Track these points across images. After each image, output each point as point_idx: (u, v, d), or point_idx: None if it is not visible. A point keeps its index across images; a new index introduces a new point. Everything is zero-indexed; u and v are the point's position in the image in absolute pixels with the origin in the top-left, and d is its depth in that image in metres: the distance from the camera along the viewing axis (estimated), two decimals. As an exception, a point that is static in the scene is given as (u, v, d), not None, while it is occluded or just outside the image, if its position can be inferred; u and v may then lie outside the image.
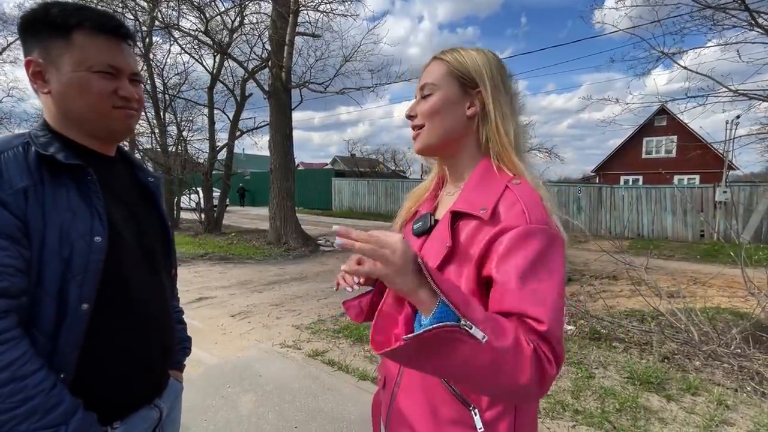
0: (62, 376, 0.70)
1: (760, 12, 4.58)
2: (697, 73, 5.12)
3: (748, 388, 2.87)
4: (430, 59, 0.83)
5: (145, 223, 0.90)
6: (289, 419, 2.30)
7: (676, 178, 20.37)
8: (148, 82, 12.51)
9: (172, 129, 13.18)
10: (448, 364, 0.56)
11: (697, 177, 19.51)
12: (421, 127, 0.80)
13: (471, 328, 0.52)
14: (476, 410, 0.69)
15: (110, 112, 0.79)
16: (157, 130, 12.54)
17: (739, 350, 3.36)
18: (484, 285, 0.67)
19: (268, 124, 10.08)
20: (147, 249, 0.87)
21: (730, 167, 11.94)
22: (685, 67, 5.24)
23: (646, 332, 3.82)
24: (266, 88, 9.70)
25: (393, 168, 28.01)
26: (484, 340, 0.53)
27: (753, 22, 4.53)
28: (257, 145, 23.13)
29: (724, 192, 10.45)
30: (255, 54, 10.96)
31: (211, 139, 12.23)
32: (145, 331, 0.84)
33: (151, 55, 12.15)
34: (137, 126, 13.12)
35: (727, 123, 10.28)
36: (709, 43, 9.58)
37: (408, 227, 0.90)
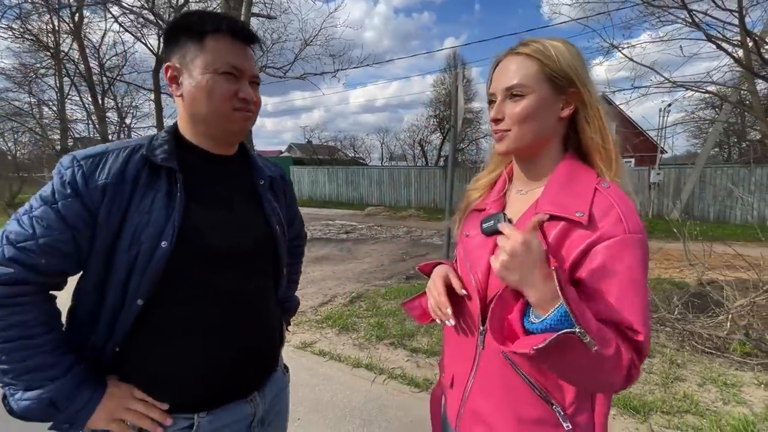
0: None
1: (696, 11, 5.03)
2: (641, 65, 5.56)
3: (688, 348, 3.28)
4: (506, 53, 0.78)
5: (247, 225, 0.89)
6: (290, 412, 2.29)
7: (614, 161, 22.02)
8: (81, 63, 11.37)
9: (113, 115, 12.14)
10: (556, 362, 0.60)
11: (633, 160, 21.31)
12: (506, 131, 0.76)
13: (585, 338, 0.57)
14: (559, 408, 0.71)
15: (230, 113, 0.82)
16: (94, 117, 11.47)
17: (680, 316, 3.82)
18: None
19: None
20: (242, 251, 0.86)
21: (662, 151, 13.18)
22: (631, 59, 5.67)
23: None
24: (220, 72, 9.18)
25: (352, 155, 27.80)
26: (594, 349, 0.57)
27: (691, 20, 4.97)
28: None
29: (658, 174, 11.53)
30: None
31: (160, 126, 11.41)
32: (228, 329, 0.85)
33: (87, 34, 11.01)
34: (72, 113, 11.85)
35: (660, 111, 11.31)
36: (645, 35, 10.46)
37: (469, 222, 0.89)
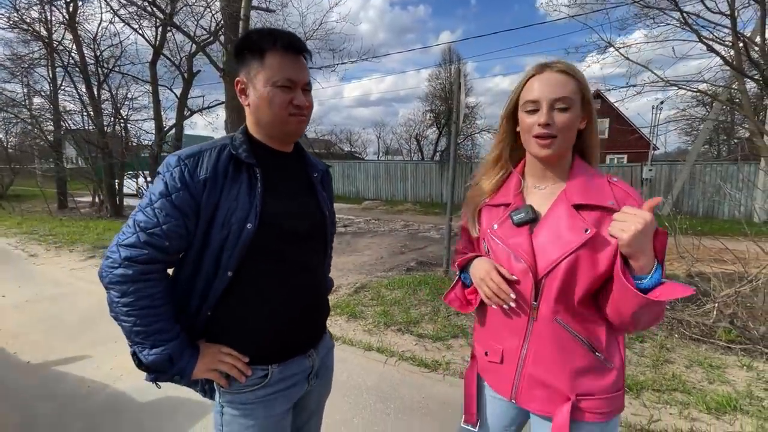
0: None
1: (689, 13, 5.20)
2: (636, 63, 5.74)
3: (677, 335, 3.48)
4: (542, 67, 0.91)
5: (305, 211, 1.04)
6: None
7: (608, 157, 22.45)
8: (75, 53, 11.24)
9: (108, 106, 12.00)
10: (658, 305, 0.77)
11: (625, 156, 21.66)
12: (555, 137, 0.89)
13: None
14: (601, 355, 0.89)
15: (287, 119, 0.95)
16: (90, 109, 11.36)
17: (669, 305, 4.03)
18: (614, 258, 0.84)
19: (220, 103, 9.59)
20: (303, 232, 1.01)
21: (654, 148, 13.46)
22: (627, 57, 5.84)
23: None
24: (220, 65, 9.17)
25: (348, 149, 27.81)
26: None
27: (684, 22, 5.14)
28: (212, 125, 21.83)
29: (650, 170, 11.81)
30: (202, 27, 10.25)
31: (157, 118, 11.36)
32: (293, 296, 1.00)
33: (82, 24, 10.90)
34: (66, 104, 11.71)
35: (653, 108, 11.55)
36: (640, 32, 10.66)
37: (489, 216, 1.01)
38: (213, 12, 9.90)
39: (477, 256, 1.01)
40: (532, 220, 0.93)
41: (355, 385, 2.52)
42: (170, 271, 0.96)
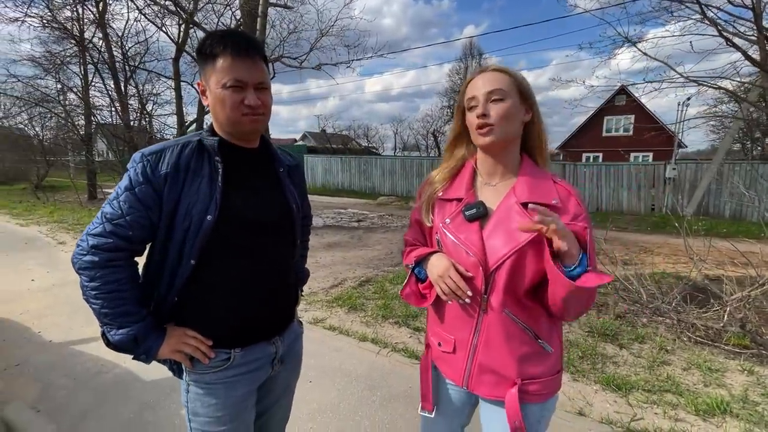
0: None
1: (709, 6, 5.02)
2: (655, 59, 5.57)
3: (684, 338, 3.41)
4: (480, 71, 1.00)
5: (270, 203, 1.09)
6: (302, 375, 2.54)
7: (632, 155, 21.72)
8: (105, 51, 11.76)
9: (134, 102, 12.51)
10: (591, 292, 0.82)
11: (651, 154, 20.90)
12: (492, 125, 0.94)
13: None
14: (542, 341, 0.96)
15: (240, 118, 0.99)
16: (118, 105, 11.86)
17: (678, 307, 3.93)
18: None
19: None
20: (267, 224, 1.06)
21: (680, 146, 12.94)
22: (645, 53, 5.67)
23: (603, 295, 4.36)
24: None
25: (366, 144, 27.91)
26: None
27: (703, 15, 4.96)
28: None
29: (674, 169, 11.38)
30: (223, 24, 10.52)
31: (179, 113, 11.74)
32: (256, 285, 1.05)
33: (110, 23, 11.37)
34: (96, 100, 12.21)
35: (678, 105, 11.10)
36: (666, 30, 10.25)
37: (442, 211, 1.04)
38: (233, 10, 10.16)
39: (433, 252, 1.04)
40: (483, 215, 0.98)
41: (345, 373, 2.61)
42: (141, 259, 1.03)
